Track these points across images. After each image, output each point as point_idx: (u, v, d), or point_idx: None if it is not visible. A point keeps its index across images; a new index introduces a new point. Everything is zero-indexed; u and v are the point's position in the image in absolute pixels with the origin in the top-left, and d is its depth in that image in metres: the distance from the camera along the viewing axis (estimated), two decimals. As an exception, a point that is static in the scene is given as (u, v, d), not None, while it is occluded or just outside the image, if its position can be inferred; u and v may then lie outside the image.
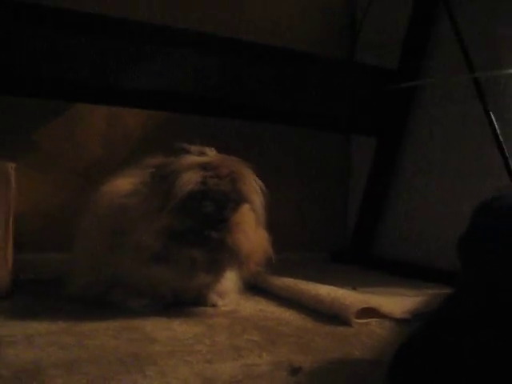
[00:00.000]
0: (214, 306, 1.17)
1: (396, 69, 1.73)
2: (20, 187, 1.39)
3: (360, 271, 1.73)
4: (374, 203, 1.83)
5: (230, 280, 1.20)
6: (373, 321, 1.09)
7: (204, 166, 1.05)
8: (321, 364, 0.81)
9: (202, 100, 1.45)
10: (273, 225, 1.12)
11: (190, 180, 1.02)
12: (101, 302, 1.11)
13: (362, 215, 1.85)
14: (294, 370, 0.76)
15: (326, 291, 1.17)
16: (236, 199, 1.05)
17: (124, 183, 1.11)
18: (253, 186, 1.08)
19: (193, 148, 1.10)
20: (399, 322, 1.09)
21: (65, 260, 1.23)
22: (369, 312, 1.10)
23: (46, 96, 1.37)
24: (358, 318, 1.07)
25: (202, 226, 1.01)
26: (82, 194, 1.23)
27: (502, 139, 1.39)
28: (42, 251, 1.49)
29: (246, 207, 1.10)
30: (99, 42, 1.32)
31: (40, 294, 1.20)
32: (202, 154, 1.10)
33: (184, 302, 1.14)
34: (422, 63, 1.71)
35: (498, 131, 1.39)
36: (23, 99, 1.47)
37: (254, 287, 1.31)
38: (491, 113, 1.41)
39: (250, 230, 1.07)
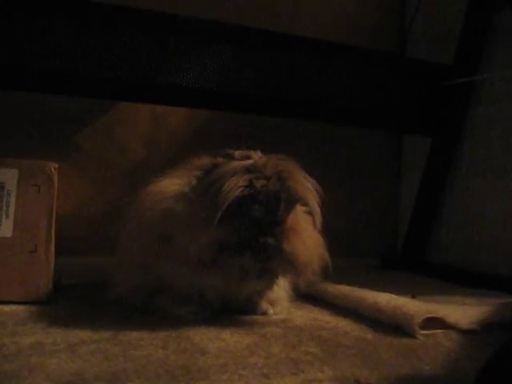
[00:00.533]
0: (264, 314, 1.09)
1: (451, 64, 1.63)
2: (62, 190, 1.35)
3: (414, 278, 1.63)
4: (428, 206, 1.73)
5: (281, 287, 1.13)
6: (438, 332, 1.00)
7: (249, 169, 0.97)
8: (389, 380, 0.73)
9: (251, 97, 1.38)
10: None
11: (235, 186, 0.94)
12: (145, 308, 1.05)
13: (416, 219, 1.76)
14: (361, 387, 0.68)
15: (385, 299, 1.08)
16: (287, 199, 0.97)
17: (170, 184, 1.05)
18: (304, 184, 0.99)
19: (237, 153, 1.02)
20: (465, 333, 1.00)
21: (108, 264, 1.18)
22: (434, 322, 1.01)
23: (88, 95, 1.32)
24: (422, 328, 0.98)
25: (254, 232, 0.94)
26: (126, 196, 1.17)
27: None
28: (84, 255, 1.45)
29: (299, 209, 1.02)
30: (143, 36, 1.26)
31: (82, 300, 1.15)
32: (246, 158, 1.02)
33: (232, 310, 1.07)
34: (480, 57, 1.61)
35: None
36: (63, 99, 1.44)
37: (304, 295, 1.22)
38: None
39: (306, 235, 1.00)
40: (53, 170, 1.09)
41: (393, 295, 1.13)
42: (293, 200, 0.98)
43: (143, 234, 1.04)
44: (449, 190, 1.71)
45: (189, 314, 1.02)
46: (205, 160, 1.07)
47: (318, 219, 1.01)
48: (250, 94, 1.39)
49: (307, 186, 0.99)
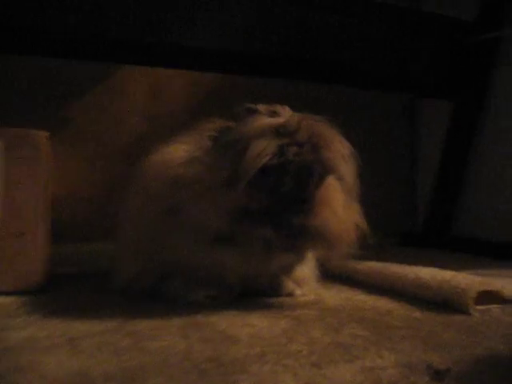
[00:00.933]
0: (290, 295, 0.96)
1: (474, 19, 1.49)
2: (56, 169, 1.21)
3: (441, 254, 1.50)
4: (450, 177, 1.59)
5: (307, 265, 0.99)
6: (493, 307, 0.86)
7: (279, 131, 0.82)
8: (465, 363, 0.59)
9: (270, 58, 1.23)
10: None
11: (263, 151, 0.80)
12: (154, 294, 0.91)
13: (438, 192, 1.62)
14: (439, 373, 0.55)
15: (429, 274, 0.95)
16: (320, 171, 0.82)
17: (178, 150, 0.90)
18: (341, 153, 0.85)
19: (261, 107, 0.87)
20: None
21: (108, 250, 1.04)
22: (487, 296, 0.87)
23: (85, 57, 1.16)
24: (475, 303, 0.85)
25: (280, 207, 0.80)
26: (125, 175, 1.03)
27: None
28: (82, 241, 1.30)
29: (332, 178, 0.88)
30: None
31: (80, 289, 1.01)
32: (273, 114, 0.87)
33: (253, 293, 0.93)
34: (506, 11, 1.47)
35: None
36: (54, 67, 1.28)
37: (329, 274, 1.08)
38: None
39: (338, 204, 0.85)
40: (44, 139, 0.94)
41: (436, 269, 0.99)
42: (326, 173, 0.84)
43: (149, 208, 0.90)
44: (472, 158, 1.58)
45: (206, 299, 0.88)
46: (217, 123, 0.92)
47: (353, 189, 0.88)
48: (270, 54, 1.24)
49: (344, 157, 0.86)
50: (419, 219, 1.74)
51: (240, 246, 0.83)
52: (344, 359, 0.60)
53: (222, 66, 1.28)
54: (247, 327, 0.73)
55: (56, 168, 1.31)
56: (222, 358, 0.59)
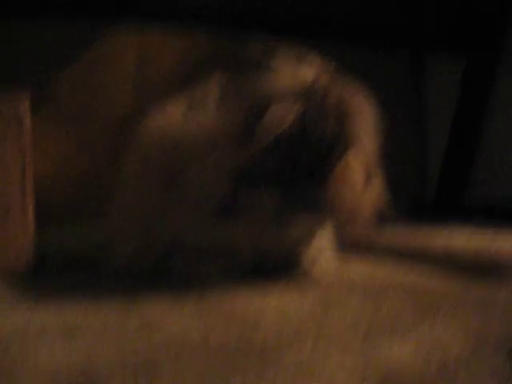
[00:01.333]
0: (307, 270, 0.85)
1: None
2: (39, 147, 1.10)
3: (455, 224, 1.40)
4: (464, 141, 1.49)
5: (325, 238, 0.89)
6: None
7: (302, 94, 0.71)
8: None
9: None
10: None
11: (282, 118, 0.70)
12: (156, 275, 0.80)
13: (451, 157, 1.52)
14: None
15: (460, 241, 0.85)
16: (343, 147, 0.73)
17: (178, 109, 0.80)
18: (368, 126, 0.75)
19: (276, 59, 0.76)
20: None
21: (99, 232, 0.93)
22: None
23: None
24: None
25: (293, 178, 0.70)
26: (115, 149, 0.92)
27: None
28: (69, 223, 1.19)
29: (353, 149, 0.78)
30: None
31: (73, 272, 0.90)
32: (293, 70, 0.76)
33: (268, 269, 0.83)
34: None
35: None
36: (31, 38, 1.17)
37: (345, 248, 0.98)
38: None
39: (357, 180, 0.75)
40: (24, 106, 0.82)
41: (467, 235, 0.90)
42: (348, 147, 0.74)
43: (148, 178, 0.80)
44: (489, 118, 1.48)
45: (216, 276, 0.78)
46: (224, 76, 0.81)
47: (374, 162, 0.78)
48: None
49: (370, 129, 0.76)
50: (430, 189, 1.65)
51: (251, 216, 0.73)
52: (396, 334, 0.50)
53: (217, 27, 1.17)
54: (270, 306, 0.64)
55: (40, 146, 1.20)
56: (249, 341, 0.49)
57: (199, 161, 0.73)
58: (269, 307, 0.64)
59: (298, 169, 0.71)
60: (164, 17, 1.14)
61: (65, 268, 0.93)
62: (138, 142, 0.85)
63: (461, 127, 1.49)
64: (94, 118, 1.29)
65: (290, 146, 0.70)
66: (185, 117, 0.79)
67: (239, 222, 0.75)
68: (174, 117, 0.80)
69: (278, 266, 0.85)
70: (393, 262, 0.93)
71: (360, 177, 0.77)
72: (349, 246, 0.97)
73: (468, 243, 0.83)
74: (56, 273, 0.89)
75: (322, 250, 0.90)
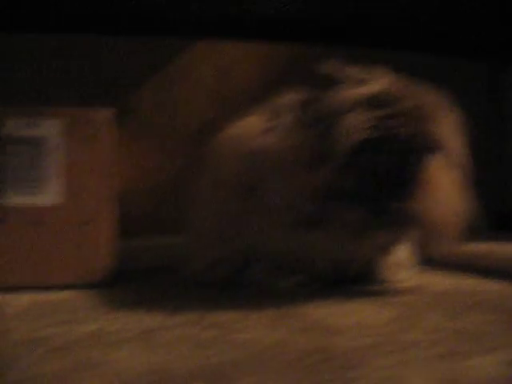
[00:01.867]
0: (387, 282, 0.83)
1: None
2: (121, 160, 1.13)
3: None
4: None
5: (405, 250, 0.86)
6: None
7: (374, 101, 0.69)
8: None
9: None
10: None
11: (356, 126, 0.67)
12: (233, 285, 0.81)
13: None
14: None
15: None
16: (424, 147, 0.69)
17: (255, 122, 0.80)
18: (450, 127, 0.71)
19: (348, 73, 0.74)
20: None
21: (179, 244, 0.95)
22: None
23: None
24: None
25: (375, 189, 0.67)
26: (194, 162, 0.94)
27: None
28: (150, 235, 1.22)
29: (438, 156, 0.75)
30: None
31: (151, 283, 0.92)
32: (365, 81, 0.74)
33: (346, 280, 0.81)
34: None
35: None
36: (111, 55, 1.21)
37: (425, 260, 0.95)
38: None
39: (443, 192, 0.72)
40: (107, 118, 0.85)
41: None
42: (431, 149, 0.71)
43: (224, 189, 0.80)
44: None
45: (295, 286, 0.77)
46: (299, 93, 0.81)
47: (463, 172, 0.74)
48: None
49: (454, 132, 0.72)
50: (509, 201, 1.58)
51: (330, 229, 0.72)
52: (478, 350, 0.47)
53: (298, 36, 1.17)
54: (348, 316, 0.62)
55: (123, 160, 1.24)
56: (328, 350, 0.48)
57: (278, 173, 0.73)
58: (348, 315, 0.62)
59: (379, 179, 0.68)
60: (240, 28, 1.15)
61: (142, 280, 0.95)
62: (216, 152, 0.86)
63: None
64: (174, 131, 1.32)
65: (368, 154, 0.69)
66: (264, 129, 0.79)
67: (319, 234, 0.73)
68: (252, 128, 0.80)
69: (357, 279, 0.83)
70: (475, 275, 0.89)
71: (447, 186, 0.74)
72: (433, 259, 0.93)
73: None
74: (134, 283, 0.90)
75: (402, 263, 0.87)
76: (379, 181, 0.67)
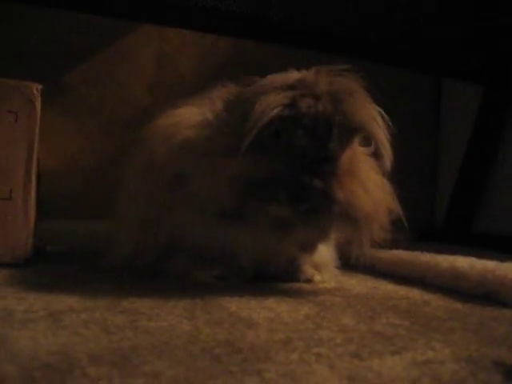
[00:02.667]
0: (309, 281, 0.84)
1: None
2: (47, 139, 1.09)
3: (462, 249, 1.37)
4: (475, 172, 1.47)
5: (327, 250, 0.87)
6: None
7: (293, 85, 0.70)
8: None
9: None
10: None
11: (271, 104, 0.67)
12: (154, 273, 0.79)
13: (460, 186, 1.50)
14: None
15: (467, 263, 0.84)
16: (343, 126, 0.69)
17: (189, 113, 0.79)
18: (368, 109, 0.70)
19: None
20: None
21: (105, 230, 0.92)
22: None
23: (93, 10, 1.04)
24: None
25: (294, 169, 0.66)
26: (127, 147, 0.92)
27: None
28: (74, 218, 1.18)
29: (359, 148, 0.76)
30: None
31: (70, 265, 0.89)
32: (286, 72, 0.75)
33: (268, 277, 0.82)
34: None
35: None
36: (53, 29, 1.17)
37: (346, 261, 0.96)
38: None
39: (370, 181, 0.73)
40: (35, 91, 0.82)
41: (473, 258, 0.88)
42: (351, 129, 0.71)
43: (153, 176, 0.79)
44: (502, 152, 1.46)
45: (214, 279, 0.76)
46: (231, 88, 0.81)
47: (387, 157, 0.73)
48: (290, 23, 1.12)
49: (372, 113, 0.70)
50: (438, 214, 1.63)
51: (250, 223, 0.71)
52: (389, 350, 0.48)
53: (238, 31, 1.16)
54: (264, 310, 0.62)
55: (51, 137, 1.20)
56: (238, 343, 0.48)
57: (204, 165, 0.72)
58: (264, 310, 0.62)
59: (297, 158, 0.67)
60: (186, 16, 1.13)
61: (62, 262, 0.92)
62: (148, 140, 0.83)
63: (473, 158, 1.47)
64: (107, 113, 1.29)
65: (285, 135, 0.68)
66: (196, 121, 0.77)
67: (242, 227, 0.73)
68: (185, 119, 0.79)
69: (279, 275, 0.83)
70: (394, 280, 0.91)
71: (371, 175, 0.74)
72: (351, 260, 0.94)
73: (473, 266, 0.81)
74: (53, 265, 0.88)
75: (323, 261, 0.88)
76: (296, 159, 0.66)
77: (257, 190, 0.68)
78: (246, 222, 0.71)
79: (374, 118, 0.71)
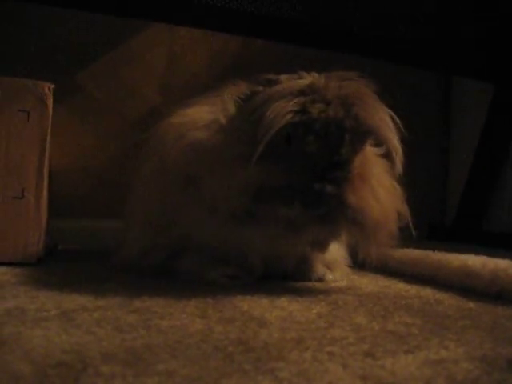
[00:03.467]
0: (320, 280, 0.84)
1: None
2: (58, 139, 1.10)
3: (472, 248, 1.36)
4: (485, 171, 1.46)
5: (338, 249, 0.87)
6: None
7: (303, 91, 0.69)
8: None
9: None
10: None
11: (282, 111, 0.67)
12: (165, 273, 0.79)
13: (472, 184, 1.49)
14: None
15: (479, 262, 0.83)
16: (355, 130, 0.69)
17: (201, 112, 0.78)
18: (379, 113, 0.70)
19: (283, 77, 0.74)
20: None
21: (116, 228, 0.93)
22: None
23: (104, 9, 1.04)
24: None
25: (307, 176, 0.66)
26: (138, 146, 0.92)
27: None
28: (86, 217, 1.19)
29: (370, 150, 0.76)
30: None
31: (82, 264, 0.89)
32: (296, 78, 0.74)
33: (279, 276, 0.81)
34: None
35: None
36: (63, 30, 1.17)
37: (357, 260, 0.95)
38: None
39: (380, 184, 0.72)
40: (47, 91, 0.82)
41: (484, 257, 0.87)
42: (362, 133, 0.70)
43: (164, 177, 0.79)
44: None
45: (224, 279, 0.76)
46: (242, 87, 0.81)
47: (399, 161, 0.73)
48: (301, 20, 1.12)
49: (383, 117, 0.70)
50: (447, 212, 1.62)
51: (262, 224, 0.71)
52: (402, 349, 0.48)
53: (249, 30, 1.16)
54: (276, 309, 0.62)
55: (63, 137, 1.20)
56: (251, 341, 0.48)
57: (216, 168, 0.72)
58: (276, 309, 0.62)
59: (308, 164, 0.67)
60: (197, 16, 1.13)
61: (74, 260, 0.92)
62: (160, 140, 0.83)
63: (483, 157, 1.47)
64: (119, 113, 1.29)
65: (296, 141, 0.68)
66: (208, 120, 0.77)
67: (253, 226, 0.73)
68: (197, 119, 0.79)
69: (290, 274, 0.83)
70: (406, 279, 0.90)
71: (383, 180, 0.74)
72: (365, 262, 0.94)
73: (485, 265, 0.80)
74: (64, 264, 0.88)
75: (335, 260, 0.88)
76: (308, 165, 0.66)
77: (269, 197, 0.68)
78: (258, 221, 0.71)
79: (385, 122, 0.71)
